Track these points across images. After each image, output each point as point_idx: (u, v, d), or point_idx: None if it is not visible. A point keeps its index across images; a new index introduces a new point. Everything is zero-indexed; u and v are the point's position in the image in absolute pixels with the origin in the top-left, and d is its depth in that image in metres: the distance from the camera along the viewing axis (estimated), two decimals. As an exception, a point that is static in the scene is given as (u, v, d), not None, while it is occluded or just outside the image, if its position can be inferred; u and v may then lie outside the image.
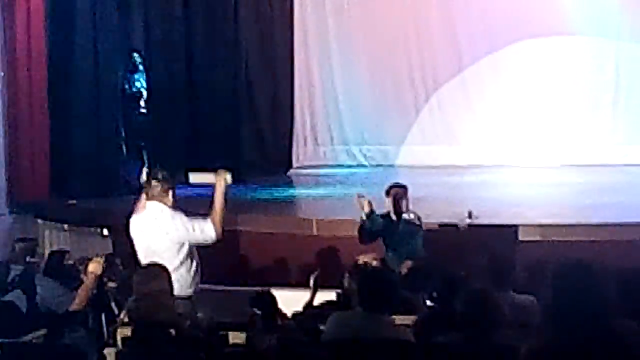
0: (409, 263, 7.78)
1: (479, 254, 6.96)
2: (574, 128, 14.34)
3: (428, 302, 6.32)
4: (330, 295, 7.02)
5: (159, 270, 5.86)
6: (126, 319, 5.94)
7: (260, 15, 14.69)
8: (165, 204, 6.69)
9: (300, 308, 7.06)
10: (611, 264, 5.08)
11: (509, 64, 14.61)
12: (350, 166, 15.03)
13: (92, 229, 10.84)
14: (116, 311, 6.85)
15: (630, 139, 14.15)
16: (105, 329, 6.61)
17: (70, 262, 8.27)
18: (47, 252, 10.00)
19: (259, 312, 5.95)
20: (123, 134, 12.91)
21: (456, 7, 14.73)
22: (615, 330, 3.56)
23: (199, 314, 6.43)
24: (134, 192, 7.05)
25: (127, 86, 13.07)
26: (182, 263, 6.59)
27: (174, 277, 6.15)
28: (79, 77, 12.50)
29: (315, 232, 9.93)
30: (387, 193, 8.52)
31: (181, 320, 5.61)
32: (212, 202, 6.74)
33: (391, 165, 14.82)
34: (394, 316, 5.56)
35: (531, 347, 3.64)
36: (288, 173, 14.77)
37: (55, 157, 12.33)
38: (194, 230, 6.60)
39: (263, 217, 10.62)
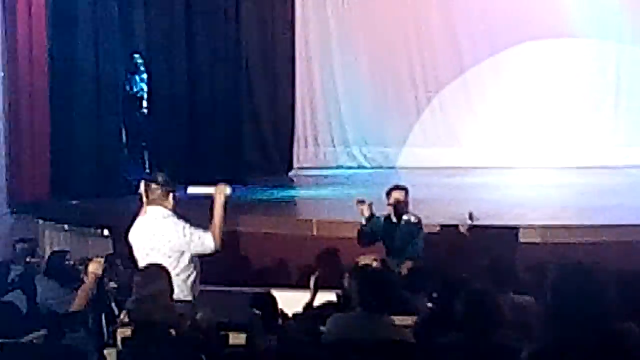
0: (409, 264, 7.77)
1: (479, 255, 6.97)
2: (575, 130, 14.35)
3: (428, 303, 6.32)
4: (330, 296, 7.02)
5: (159, 271, 5.85)
6: (126, 320, 5.93)
7: (261, 17, 14.70)
8: (166, 207, 6.65)
9: (300, 309, 7.05)
10: (612, 266, 5.08)
11: (510, 65, 14.62)
12: (350, 167, 15.05)
13: (93, 230, 10.84)
14: (116, 311, 6.84)
15: (631, 140, 14.16)
16: (105, 330, 6.60)
17: (71, 262, 8.26)
18: (47, 252, 10.00)
19: (259, 312, 5.95)
20: (124, 134, 12.92)
21: (457, 9, 14.74)
22: (615, 331, 3.55)
23: (199, 315, 6.42)
24: (135, 193, 7.00)
25: (128, 87, 13.09)
26: (182, 271, 6.57)
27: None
28: (80, 78, 12.49)
29: (315, 233, 9.93)
30: (388, 195, 8.52)
31: (181, 321, 5.60)
32: (211, 213, 6.72)
33: (392, 167, 14.84)
34: (394, 317, 5.55)
35: (531, 349, 3.63)
36: (289, 174, 14.78)
37: (55, 157, 12.32)
38: (193, 240, 6.57)
39: (264, 217, 10.62)
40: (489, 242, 8.76)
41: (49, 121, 12.30)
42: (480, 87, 14.81)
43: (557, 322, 3.57)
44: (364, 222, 8.39)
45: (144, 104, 13.29)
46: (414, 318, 5.94)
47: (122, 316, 6.34)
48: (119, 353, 5.46)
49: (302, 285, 8.02)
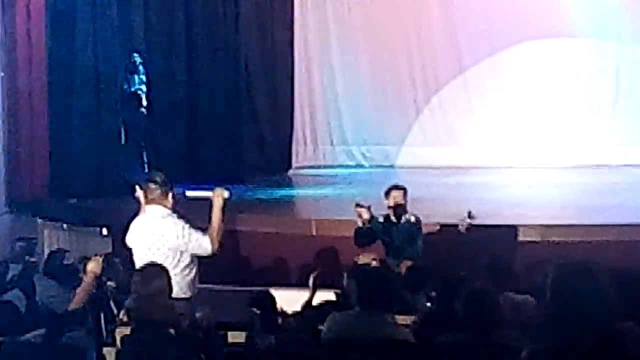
0: (408, 263, 7.77)
1: (478, 254, 6.96)
2: (574, 129, 14.35)
3: (427, 303, 6.32)
4: (329, 295, 7.01)
5: (158, 270, 5.84)
6: (125, 319, 5.92)
7: (261, 16, 14.69)
8: (165, 206, 6.65)
9: (299, 308, 7.05)
10: (612, 265, 5.07)
11: (509, 65, 14.62)
12: (350, 166, 15.04)
13: (92, 229, 10.84)
14: (115, 311, 6.84)
15: (631, 139, 14.15)
16: (104, 329, 6.60)
17: (70, 261, 8.27)
18: (46, 251, 10.00)
19: (258, 311, 5.94)
20: (123, 133, 12.91)
21: (457, 8, 14.74)
22: (615, 331, 3.55)
23: (198, 314, 6.42)
24: (134, 195, 6.99)
25: (127, 86, 13.08)
26: (181, 270, 6.56)
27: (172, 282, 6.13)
28: (78, 77, 12.49)
29: (314, 232, 9.93)
30: (387, 194, 8.51)
31: (180, 320, 5.60)
32: (209, 218, 6.71)
33: (391, 166, 14.83)
34: (393, 316, 5.55)
35: (531, 348, 3.63)
36: (288, 173, 14.78)
37: (54, 156, 12.33)
38: (191, 241, 6.57)
39: (263, 217, 10.62)
40: (488, 241, 8.75)
41: (48, 120, 12.30)
42: (480, 86, 14.80)
43: (557, 322, 3.56)
44: (360, 223, 8.37)
45: (143, 103, 13.29)
46: (413, 317, 5.94)
47: (121, 315, 6.34)
48: (118, 352, 5.46)
49: (301, 284, 8.02)
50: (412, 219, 8.39)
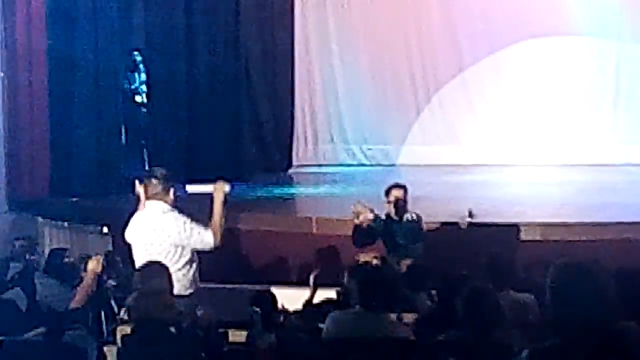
0: (408, 262, 7.77)
1: (479, 252, 6.96)
2: (574, 128, 14.35)
3: (428, 301, 6.32)
4: (330, 293, 7.02)
5: (158, 268, 5.85)
6: (126, 317, 5.93)
7: (261, 15, 14.68)
8: (165, 202, 6.64)
9: (300, 306, 7.05)
10: (612, 264, 5.07)
11: (510, 63, 14.61)
12: (350, 165, 15.04)
13: (92, 227, 10.84)
14: (116, 309, 6.84)
15: (631, 138, 14.15)
16: (105, 327, 6.60)
17: (70, 260, 8.27)
18: (46, 250, 10.00)
19: (258, 310, 5.95)
20: (123, 132, 12.91)
21: (457, 7, 14.73)
22: (615, 330, 3.55)
23: (199, 312, 6.42)
24: (134, 191, 6.99)
25: (127, 85, 13.07)
26: (183, 266, 6.56)
27: (173, 278, 6.13)
28: (79, 76, 12.48)
29: (315, 230, 9.93)
30: (387, 193, 8.51)
31: (181, 319, 5.60)
32: (210, 212, 6.71)
33: (392, 165, 14.83)
34: (393, 315, 5.55)
35: (531, 346, 3.63)
36: (288, 172, 14.78)
37: (55, 155, 12.32)
38: (193, 235, 6.55)
39: (263, 215, 10.62)
40: (488, 239, 8.76)
41: (48, 119, 12.30)
42: (480, 85, 14.80)
43: (557, 320, 3.56)
44: (358, 223, 8.37)
45: (144, 102, 13.28)
46: (414, 316, 5.95)
47: (121, 314, 6.35)
48: (118, 350, 5.47)
49: (301, 282, 8.02)
50: (413, 217, 8.39)
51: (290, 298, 6.98)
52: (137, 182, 6.93)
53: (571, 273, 3.58)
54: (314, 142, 15.34)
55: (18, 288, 7.13)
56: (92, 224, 10.88)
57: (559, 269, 3.59)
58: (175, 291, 6.04)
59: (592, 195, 11.38)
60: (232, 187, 6.81)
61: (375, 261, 6.97)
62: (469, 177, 13.27)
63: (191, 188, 6.94)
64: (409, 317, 5.88)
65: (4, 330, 5.91)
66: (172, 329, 5.28)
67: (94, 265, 6.74)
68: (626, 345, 3.51)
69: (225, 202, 6.72)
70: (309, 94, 15.29)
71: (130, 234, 6.76)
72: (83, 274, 6.95)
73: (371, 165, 14.95)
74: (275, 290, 6.52)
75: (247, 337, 5.77)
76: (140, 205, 6.82)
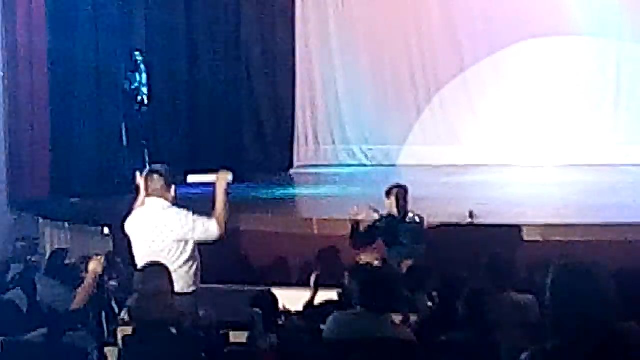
0: (409, 262, 7.78)
1: (480, 253, 6.96)
2: (575, 128, 14.34)
3: (429, 302, 6.32)
4: (331, 294, 7.02)
5: (159, 269, 5.85)
6: (127, 318, 5.93)
7: (262, 15, 14.69)
8: (166, 199, 6.61)
9: (301, 307, 7.05)
10: (612, 264, 5.07)
11: (510, 64, 14.61)
12: (351, 165, 15.04)
13: (93, 228, 10.84)
14: (117, 310, 6.84)
15: (632, 139, 14.15)
16: (106, 328, 6.60)
17: (71, 260, 8.27)
18: (47, 250, 10.01)
19: (259, 311, 5.95)
20: (124, 132, 12.92)
21: (457, 7, 14.73)
22: (616, 331, 3.55)
23: (200, 313, 6.42)
24: (135, 191, 6.97)
25: (128, 85, 13.08)
26: (184, 263, 6.54)
27: (174, 276, 6.12)
28: (80, 76, 12.50)
29: (316, 231, 9.93)
30: (388, 194, 8.52)
31: (182, 319, 5.60)
32: (213, 202, 6.69)
33: (392, 165, 14.83)
34: (394, 315, 5.55)
35: (532, 348, 3.63)
36: (289, 172, 14.78)
37: (56, 155, 12.33)
38: (197, 226, 6.52)
39: (264, 216, 10.62)
40: (489, 240, 8.75)
41: (49, 119, 12.30)
42: (481, 85, 14.80)
43: (557, 321, 3.56)
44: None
45: (144, 101, 13.28)
46: (415, 317, 5.95)
47: (122, 315, 6.34)
48: (119, 352, 5.47)
49: (302, 283, 8.01)
50: (414, 218, 8.40)
51: (291, 299, 6.99)
52: (137, 173, 6.90)
53: (571, 274, 3.58)
54: (315, 142, 15.34)
55: (19, 288, 7.13)
56: (93, 225, 10.88)
57: (560, 269, 3.59)
58: (177, 289, 6.04)
59: (592, 195, 11.38)
60: (234, 183, 6.79)
61: (376, 262, 6.97)
62: (470, 177, 13.27)
63: (193, 178, 6.90)
64: (410, 318, 5.87)
65: (5, 331, 5.90)
66: (173, 330, 5.28)
67: (94, 265, 6.74)
68: (627, 346, 3.51)
69: (228, 191, 6.69)
70: (309, 94, 15.29)
71: (130, 232, 6.73)
72: (84, 275, 6.95)
73: (372, 166, 14.94)
74: (276, 291, 6.52)
75: (248, 338, 5.77)
76: (139, 201, 6.78)
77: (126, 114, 13.00)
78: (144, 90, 13.20)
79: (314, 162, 15.22)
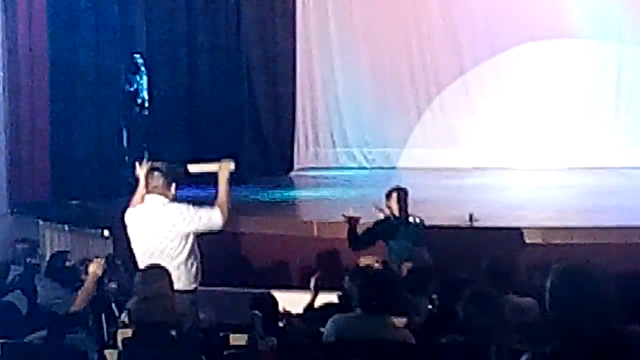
0: (409, 265, 7.76)
1: (480, 256, 6.96)
2: (575, 131, 14.35)
3: (429, 305, 6.32)
4: (331, 297, 7.01)
5: (159, 272, 5.85)
6: (127, 320, 5.92)
7: (262, 17, 14.69)
8: (166, 197, 6.59)
9: (301, 310, 7.05)
10: (613, 267, 5.07)
11: (510, 66, 14.62)
12: (351, 168, 15.04)
13: (93, 230, 10.84)
14: (117, 312, 6.84)
15: (632, 141, 14.16)
16: (105, 330, 6.60)
17: (71, 263, 8.27)
18: (47, 253, 10.00)
19: (259, 313, 5.94)
20: (124, 134, 12.91)
21: (458, 10, 14.74)
22: (616, 334, 3.55)
23: (200, 315, 6.42)
24: (135, 182, 6.94)
25: (128, 87, 13.08)
26: (186, 259, 6.52)
27: (176, 274, 6.11)
28: (80, 78, 12.49)
29: (316, 234, 9.92)
30: (388, 196, 8.51)
31: (182, 322, 5.60)
32: (216, 191, 6.67)
33: (393, 168, 14.83)
34: (394, 318, 5.55)
35: (532, 351, 3.63)
36: (289, 175, 14.77)
37: (56, 157, 12.32)
38: (201, 216, 6.51)
39: (264, 218, 10.61)
40: (489, 243, 8.75)
41: (49, 121, 12.30)
42: (481, 87, 14.81)
43: (558, 324, 3.56)
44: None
45: (145, 104, 13.29)
46: (415, 319, 5.94)
47: (122, 317, 6.34)
48: (119, 354, 5.46)
49: (302, 286, 8.01)
50: (414, 219, 8.40)
51: (292, 301, 6.99)
52: (137, 164, 6.87)
53: (572, 276, 3.58)
54: (315, 145, 15.35)
55: (19, 291, 7.12)
56: (93, 227, 10.88)
57: (560, 272, 3.58)
58: (178, 287, 6.03)
59: (593, 198, 11.38)
60: (236, 169, 6.77)
61: (376, 264, 6.97)
62: (470, 180, 13.27)
63: (193, 167, 6.88)
64: (409, 321, 5.87)
65: (5, 333, 5.90)
66: (173, 333, 5.28)
67: (95, 268, 6.74)
68: (627, 349, 3.51)
69: (230, 180, 6.68)
70: (309, 97, 15.30)
71: (130, 229, 6.71)
72: (84, 277, 6.95)
73: (372, 168, 14.95)
74: (276, 293, 6.52)
75: (248, 340, 5.77)
76: (138, 196, 6.75)
77: (126, 116, 13.00)
78: (145, 92, 13.20)
79: (314, 165, 15.22)
